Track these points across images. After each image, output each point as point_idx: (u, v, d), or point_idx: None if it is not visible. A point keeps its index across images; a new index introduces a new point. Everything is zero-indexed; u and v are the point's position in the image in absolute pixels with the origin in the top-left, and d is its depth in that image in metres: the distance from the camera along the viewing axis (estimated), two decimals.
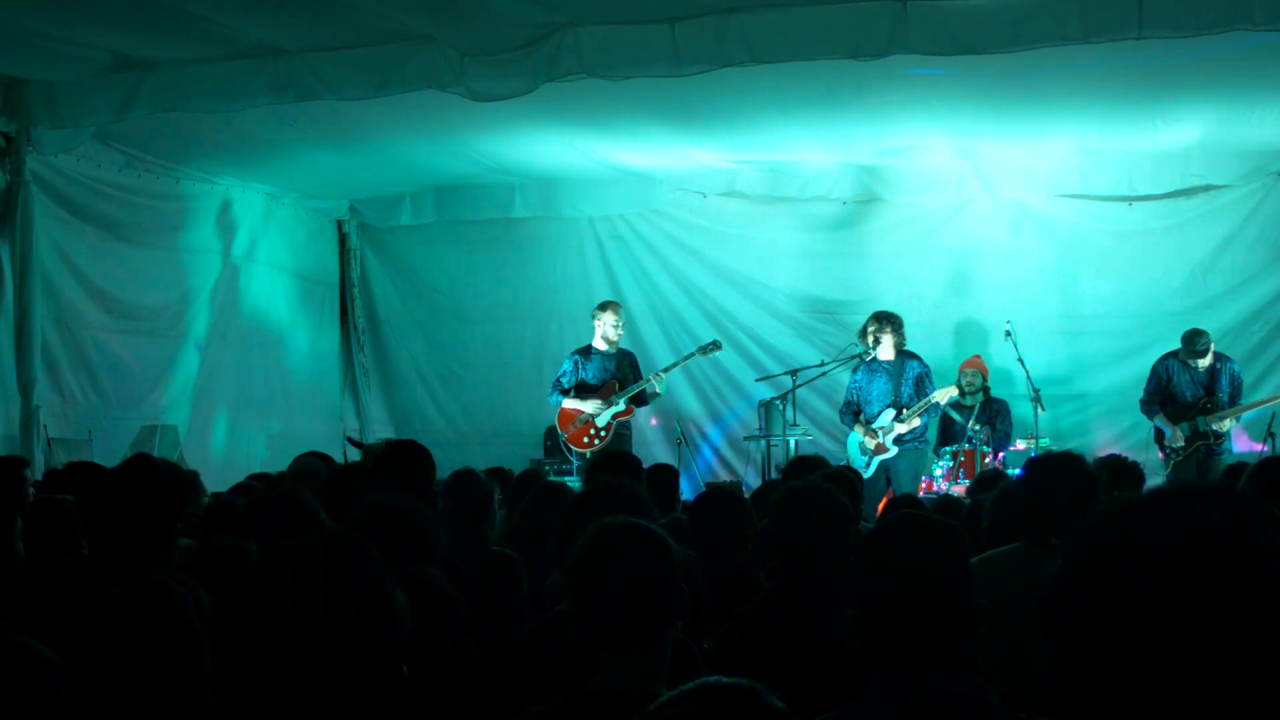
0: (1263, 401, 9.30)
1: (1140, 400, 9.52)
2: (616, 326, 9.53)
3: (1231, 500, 1.25)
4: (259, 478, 6.54)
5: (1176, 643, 1.17)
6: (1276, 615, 1.17)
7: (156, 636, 2.28)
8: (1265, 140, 9.76)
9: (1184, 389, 9.24)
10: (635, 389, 9.41)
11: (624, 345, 9.91)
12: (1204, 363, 9.14)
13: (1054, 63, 7.42)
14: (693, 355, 10.01)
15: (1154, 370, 9.44)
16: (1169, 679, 1.18)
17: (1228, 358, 9.37)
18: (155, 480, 3.36)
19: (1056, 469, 3.63)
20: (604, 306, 9.74)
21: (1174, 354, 9.35)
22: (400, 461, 4.39)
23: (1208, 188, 10.49)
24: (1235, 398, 9.22)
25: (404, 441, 4.71)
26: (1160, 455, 9.28)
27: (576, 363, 9.58)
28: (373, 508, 3.35)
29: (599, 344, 9.57)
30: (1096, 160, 10.45)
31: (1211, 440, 9.10)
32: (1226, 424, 9.11)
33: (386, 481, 4.25)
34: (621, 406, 9.38)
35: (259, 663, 1.91)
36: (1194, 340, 9.15)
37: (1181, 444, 9.12)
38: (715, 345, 9.97)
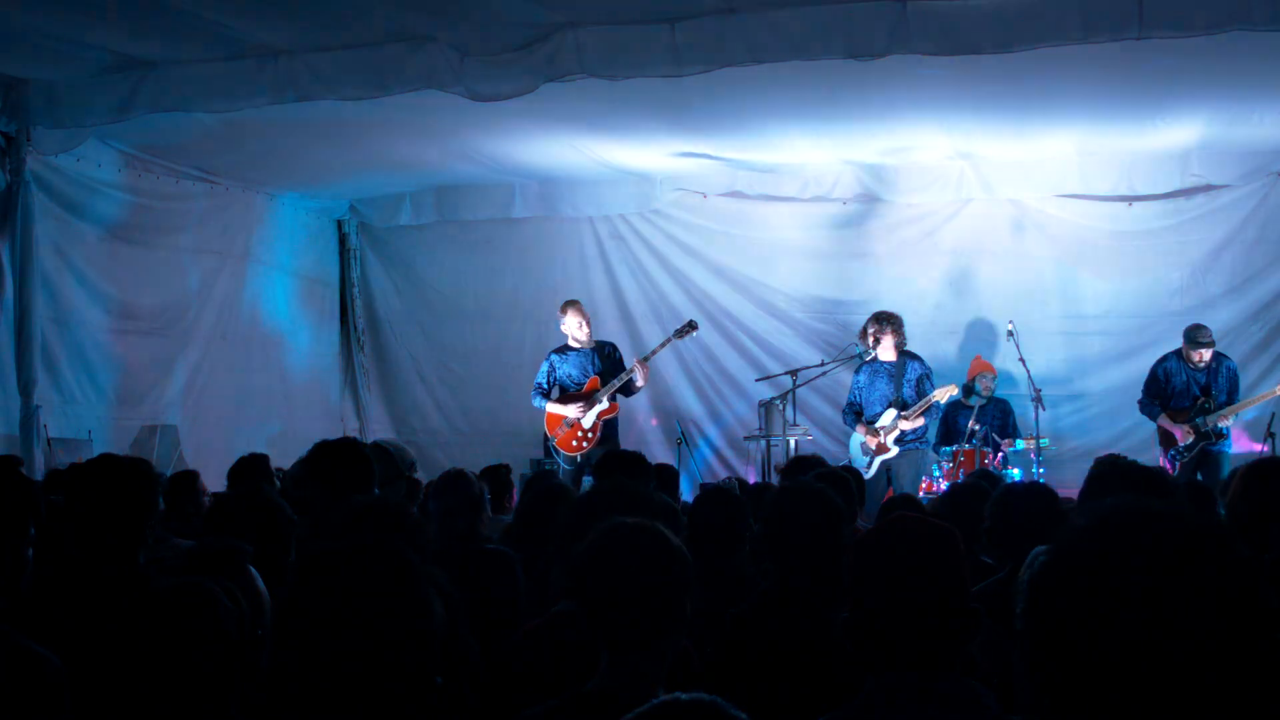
0: (1262, 397, 9.27)
1: (1139, 402, 9.51)
2: (580, 327, 9.28)
3: (1195, 524, 1.26)
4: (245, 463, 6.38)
5: (1144, 665, 1.18)
6: (1247, 637, 1.18)
7: (194, 638, 2.26)
8: (1265, 140, 9.75)
9: (1182, 389, 9.25)
10: (615, 385, 9.15)
11: (620, 339, 9.75)
12: (1205, 357, 9.14)
13: (1054, 63, 7.42)
14: (669, 340, 9.68)
15: (1152, 371, 9.44)
16: (1139, 701, 1.19)
17: (1225, 356, 9.38)
18: (119, 478, 3.35)
19: (1130, 479, 3.59)
20: (564, 308, 9.47)
21: (1173, 354, 9.36)
22: (332, 463, 4.28)
23: (1208, 188, 10.49)
24: (1233, 395, 9.22)
25: (337, 441, 4.57)
26: (1163, 459, 9.24)
27: (553, 363, 9.36)
28: (362, 508, 3.34)
29: (572, 342, 9.38)
30: (1096, 160, 10.45)
31: (1213, 439, 9.10)
32: (1228, 420, 9.10)
33: (318, 485, 4.15)
34: (605, 404, 9.14)
35: (291, 668, 1.89)
36: (1197, 332, 9.17)
37: (1191, 441, 9.12)
38: (691, 326, 9.64)
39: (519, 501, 5.98)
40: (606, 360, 9.37)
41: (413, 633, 1.91)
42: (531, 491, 5.88)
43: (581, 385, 9.25)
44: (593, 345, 9.39)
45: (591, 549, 2.45)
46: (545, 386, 9.36)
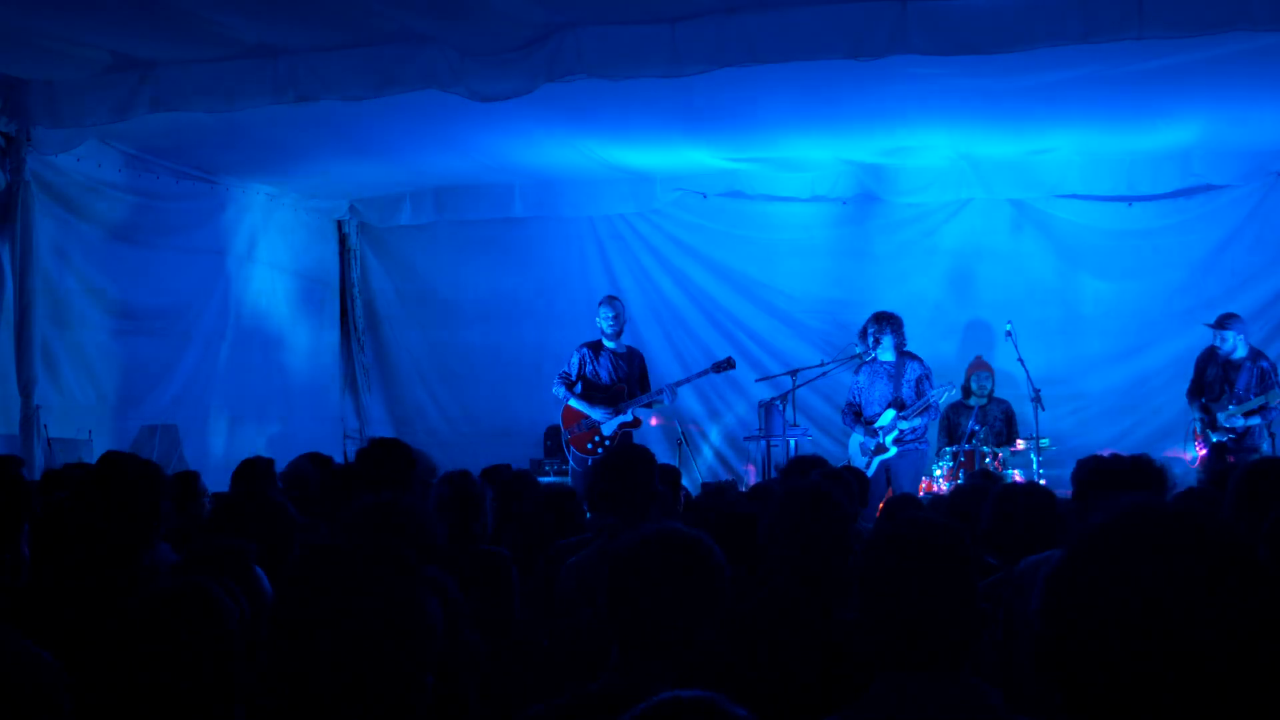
0: (1262, 402, 9.11)
1: (1186, 391, 9.47)
2: (610, 320, 9.22)
3: (1211, 524, 1.27)
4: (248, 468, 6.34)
5: (1157, 664, 1.19)
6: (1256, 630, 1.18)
7: (196, 638, 2.26)
8: (1265, 140, 9.76)
9: (1211, 380, 9.24)
10: (644, 400, 9.14)
11: (632, 344, 9.71)
12: (1229, 348, 9.07)
13: (1054, 63, 7.42)
14: (706, 373, 9.70)
15: (1195, 362, 9.39)
16: (1152, 700, 1.19)
17: (1262, 355, 9.22)
18: (123, 478, 3.34)
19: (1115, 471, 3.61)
20: (601, 301, 9.54)
21: (1210, 345, 9.31)
22: (382, 460, 4.38)
23: (1208, 188, 10.49)
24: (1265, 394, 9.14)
25: (386, 440, 4.70)
26: (1199, 450, 9.19)
27: (583, 358, 9.29)
28: (370, 507, 3.34)
29: (605, 341, 9.32)
30: (1096, 160, 10.45)
31: (1229, 438, 9.04)
32: (1238, 420, 9.02)
33: (369, 480, 4.24)
34: (629, 418, 9.11)
35: (282, 666, 1.89)
36: (1225, 320, 9.12)
37: (1210, 430, 9.12)
38: (729, 363, 9.65)
39: (518, 503, 5.98)
40: (635, 369, 9.30)
41: (404, 633, 1.90)
42: (529, 493, 5.89)
43: (609, 388, 9.20)
44: (625, 350, 9.36)
45: (635, 549, 2.44)
46: (572, 378, 9.27)
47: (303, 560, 2.02)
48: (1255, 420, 9.03)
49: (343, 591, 1.90)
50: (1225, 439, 9.03)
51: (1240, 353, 9.14)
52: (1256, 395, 9.00)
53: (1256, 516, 3.31)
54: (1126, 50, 6.97)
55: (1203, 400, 9.28)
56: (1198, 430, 9.23)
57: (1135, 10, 6.44)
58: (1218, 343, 9.14)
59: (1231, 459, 8.76)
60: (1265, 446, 9.09)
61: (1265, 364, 9.19)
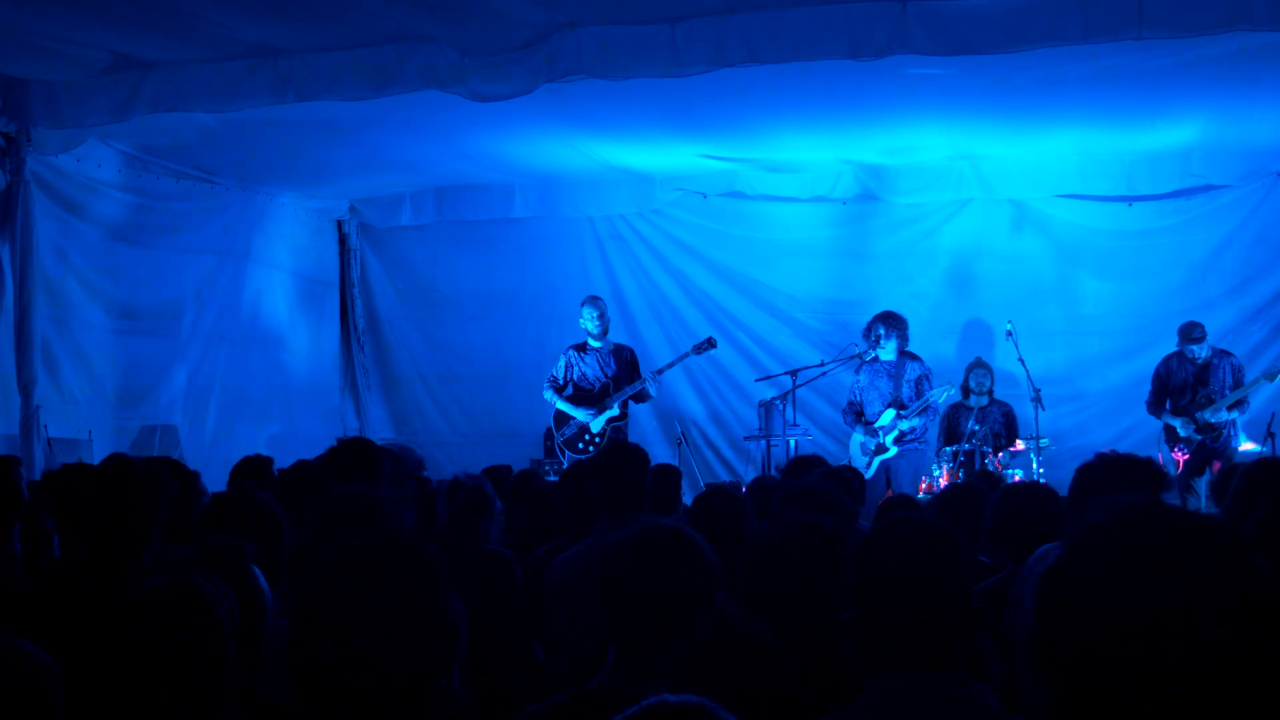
0: (1244, 387, 9.19)
1: (1146, 403, 9.57)
2: (595, 320, 9.30)
3: (1209, 525, 1.27)
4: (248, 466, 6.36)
5: (1152, 664, 1.19)
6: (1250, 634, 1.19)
7: (186, 634, 2.27)
8: (1265, 140, 9.75)
9: (1181, 384, 9.31)
10: (629, 392, 9.19)
11: (620, 340, 9.77)
12: (1200, 355, 9.22)
13: (1054, 63, 7.42)
14: (687, 355, 9.80)
15: (1155, 372, 9.53)
16: (1146, 699, 1.19)
17: (1228, 353, 9.40)
18: (130, 480, 3.34)
19: (1118, 468, 3.62)
20: (583, 302, 9.61)
21: (1175, 354, 9.40)
22: (349, 460, 4.43)
23: (1208, 188, 10.49)
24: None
25: (353, 439, 4.78)
26: (1175, 453, 9.28)
27: (569, 360, 9.41)
28: (337, 499, 3.36)
29: (591, 341, 9.40)
30: (1096, 160, 10.45)
31: (1209, 436, 9.14)
32: (1222, 414, 9.12)
33: (337, 479, 4.27)
34: (615, 411, 9.18)
35: (298, 663, 1.89)
36: (1190, 329, 9.27)
37: (1191, 431, 9.20)
38: (710, 343, 9.70)
39: (515, 503, 5.99)
40: (623, 365, 9.35)
41: (424, 637, 1.90)
42: (528, 491, 5.90)
43: (595, 387, 9.23)
44: (611, 347, 9.40)
45: (623, 545, 2.45)
46: (560, 382, 9.35)
47: (327, 559, 2.01)
48: (1234, 414, 9.20)
49: (366, 591, 1.90)
50: (1205, 438, 9.13)
51: (1206, 354, 9.28)
52: (1233, 389, 9.17)
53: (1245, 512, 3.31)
54: (1126, 50, 6.97)
55: (1168, 406, 9.38)
56: (1179, 435, 9.29)
57: (1135, 10, 6.43)
58: (1194, 353, 9.24)
59: (1217, 463, 8.95)
60: (1235, 443, 9.22)
61: (1233, 360, 9.36)
